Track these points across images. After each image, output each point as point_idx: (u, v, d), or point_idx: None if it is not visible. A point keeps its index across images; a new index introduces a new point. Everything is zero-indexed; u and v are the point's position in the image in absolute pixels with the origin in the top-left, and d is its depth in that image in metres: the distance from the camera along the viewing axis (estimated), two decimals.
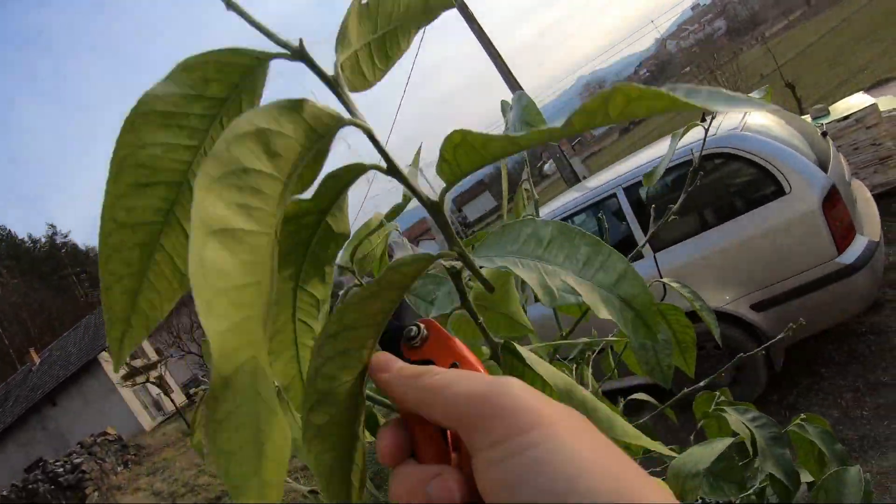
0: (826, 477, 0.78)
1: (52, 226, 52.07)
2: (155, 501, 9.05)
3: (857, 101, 5.31)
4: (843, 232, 2.96)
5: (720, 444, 0.72)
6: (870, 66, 11.96)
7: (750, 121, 3.41)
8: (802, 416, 0.94)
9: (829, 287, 2.98)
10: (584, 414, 0.30)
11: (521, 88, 11.43)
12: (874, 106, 5.01)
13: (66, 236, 50.52)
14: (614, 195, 3.70)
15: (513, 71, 11.52)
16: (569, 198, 4.24)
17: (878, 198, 4.23)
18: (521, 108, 0.60)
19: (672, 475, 0.69)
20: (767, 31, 49.08)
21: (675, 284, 1.04)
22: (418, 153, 0.70)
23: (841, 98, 6.22)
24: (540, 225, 0.42)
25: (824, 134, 4.09)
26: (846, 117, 4.96)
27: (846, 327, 3.58)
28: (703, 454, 0.70)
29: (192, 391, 27.84)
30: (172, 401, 14.76)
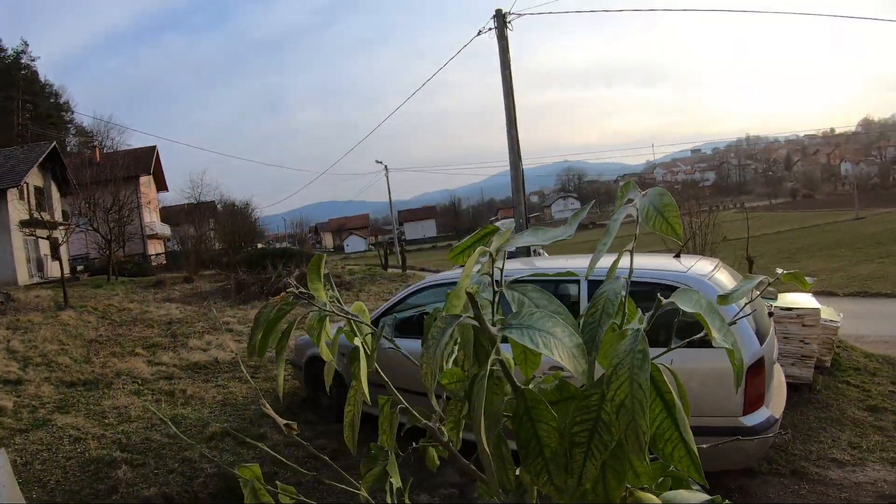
0: None
1: (26, 43, 48.67)
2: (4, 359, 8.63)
3: (803, 300, 5.82)
4: (754, 399, 3.29)
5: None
6: (820, 276, 12.98)
7: (717, 274, 3.73)
8: None
9: (724, 438, 3.28)
10: None
11: (517, 136, 11.50)
12: (818, 311, 5.52)
13: (33, 60, 47.57)
14: (577, 282, 3.90)
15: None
16: (523, 266, 4.51)
17: (789, 386, 4.67)
18: (662, 203, 0.72)
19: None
20: (748, 203, 52.07)
21: None
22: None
23: (787, 291, 6.79)
24: None
25: (770, 314, 4.50)
26: (791, 309, 5.44)
27: (718, 481, 3.92)
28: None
29: (78, 268, 26.76)
30: (61, 268, 14.11)
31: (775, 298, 5.73)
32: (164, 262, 31.19)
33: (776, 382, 3.92)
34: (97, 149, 35.67)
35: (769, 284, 0.94)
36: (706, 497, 0.89)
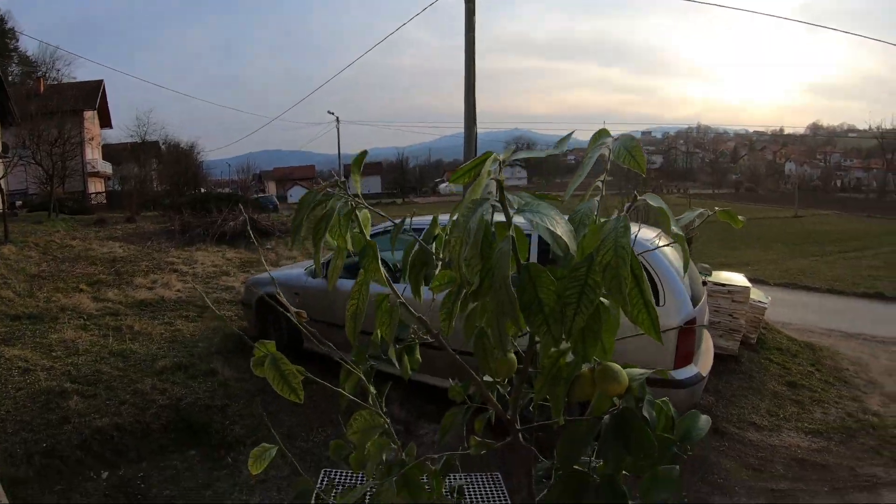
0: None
1: None
2: None
3: (737, 279, 6.25)
4: (684, 355, 3.62)
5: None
6: (753, 265, 13.72)
7: (657, 241, 4.04)
8: None
9: (655, 389, 3.59)
10: None
11: (474, 101, 11.41)
12: (748, 289, 5.94)
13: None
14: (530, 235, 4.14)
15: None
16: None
17: (716, 357, 5.07)
18: (630, 144, 0.88)
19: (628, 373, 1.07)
20: (692, 190, 53.77)
21: None
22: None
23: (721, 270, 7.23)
24: None
25: (704, 283, 4.86)
26: (724, 285, 5.85)
27: None
28: (639, 372, 1.10)
29: (17, 203, 25.61)
30: (3, 201, 13.53)
31: (710, 274, 6.13)
32: (105, 201, 30.18)
33: (705, 347, 4.29)
34: (41, 80, 33.89)
35: (706, 218, 1.13)
36: (652, 370, 1.11)
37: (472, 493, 2.55)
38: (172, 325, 6.93)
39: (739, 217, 1.17)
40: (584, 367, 1.09)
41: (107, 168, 35.94)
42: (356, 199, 1.12)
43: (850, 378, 5.97)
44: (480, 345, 1.20)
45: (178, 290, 8.72)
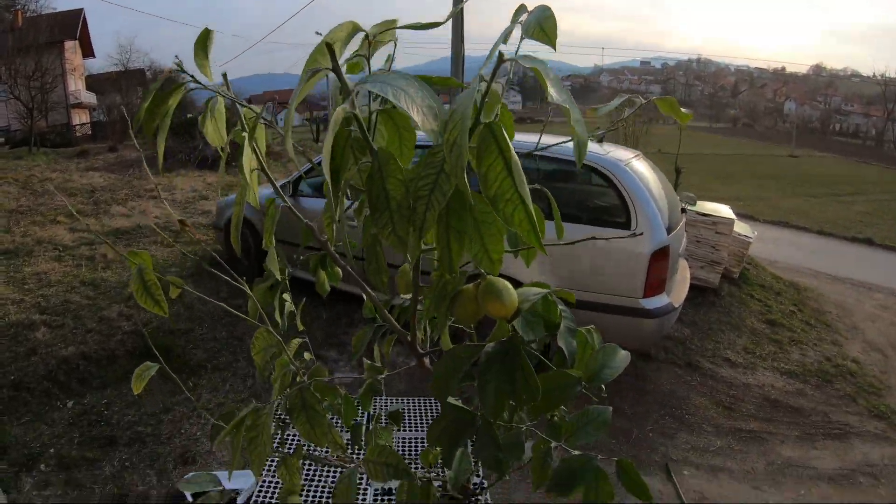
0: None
1: None
2: None
3: (722, 209, 6.10)
4: (654, 283, 3.51)
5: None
6: (744, 200, 13.57)
7: (635, 162, 3.88)
8: None
9: (623, 317, 3.53)
10: None
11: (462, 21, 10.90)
12: (732, 221, 5.81)
13: None
14: None
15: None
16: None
17: (692, 287, 4.98)
18: (543, 16, 0.70)
19: (519, 294, 0.93)
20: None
21: None
22: None
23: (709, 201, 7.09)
24: None
25: (683, 210, 4.72)
26: (707, 215, 5.71)
27: None
28: (535, 292, 0.95)
29: None
30: None
31: (694, 204, 5.98)
32: (90, 132, 29.59)
33: (680, 277, 4.18)
34: (19, 13, 32.63)
35: (639, 106, 0.98)
36: (549, 289, 0.98)
37: (414, 418, 2.50)
38: (147, 251, 6.84)
39: (684, 111, 1.04)
40: (472, 285, 0.96)
41: (91, 99, 35.08)
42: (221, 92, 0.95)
43: (833, 322, 5.92)
44: (372, 254, 1.10)
45: (156, 217, 8.74)
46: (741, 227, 6.53)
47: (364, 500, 2.81)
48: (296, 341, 1.42)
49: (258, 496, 2.89)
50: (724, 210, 6.19)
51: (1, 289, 5.50)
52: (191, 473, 1.76)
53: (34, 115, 20.09)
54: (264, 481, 3.00)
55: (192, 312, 5.06)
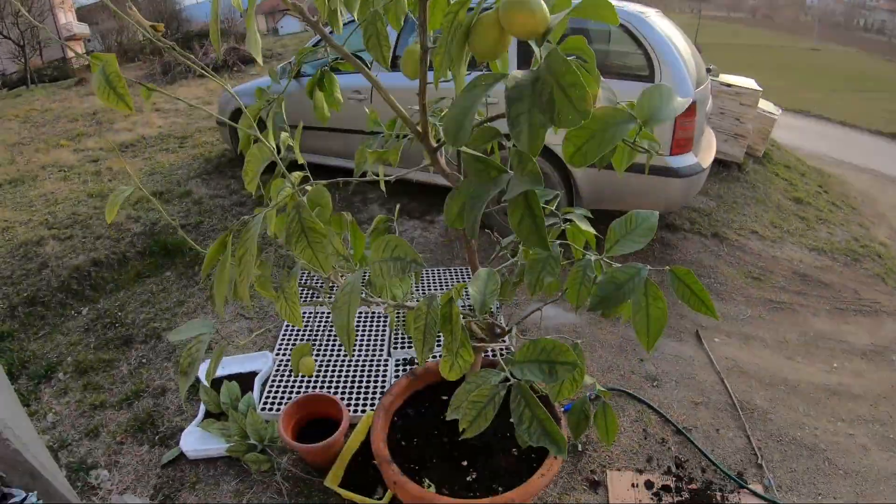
0: None
1: None
2: None
3: (745, 82, 5.77)
4: (682, 142, 3.30)
5: None
6: (765, 91, 13.00)
7: (656, 17, 3.63)
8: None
9: (649, 176, 3.35)
10: None
11: None
12: (758, 93, 5.49)
13: None
14: None
15: None
16: None
17: (715, 161, 4.76)
18: None
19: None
20: (705, 12, 51.21)
21: None
22: None
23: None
24: None
25: (709, 70, 4.45)
26: (731, 85, 5.39)
27: None
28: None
29: None
30: None
31: (717, 76, 5.65)
32: (87, 63, 28.95)
33: (706, 142, 3.95)
34: None
35: None
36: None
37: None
38: (152, 159, 6.83)
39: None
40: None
41: (84, 29, 34.26)
42: None
43: (859, 206, 5.72)
44: (372, 30, 1.02)
45: (160, 126, 8.59)
46: (766, 105, 6.21)
47: (384, 372, 2.77)
48: (298, 174, 1.30)
49: (275, 374, 2.84)
50: (750, 82, 5.85)
51: (8, 214, 5.42)
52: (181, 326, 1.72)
53: (27, 52, 19.69)
54: (280, 361, 2.94)
55: (202, 207, 5.07)
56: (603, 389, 1.52)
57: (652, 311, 1.08)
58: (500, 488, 1.63)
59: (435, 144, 1.22)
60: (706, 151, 3.84)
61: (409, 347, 2.92)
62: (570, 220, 1.35)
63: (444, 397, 1.96)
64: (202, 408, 2.66)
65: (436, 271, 3.65)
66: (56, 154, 7.66)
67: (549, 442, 0.98)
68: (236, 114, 5.48)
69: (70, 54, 30.49)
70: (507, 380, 1.04)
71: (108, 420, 2.74)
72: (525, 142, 0.73)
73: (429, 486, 1.66)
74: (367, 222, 4.68)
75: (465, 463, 1.75)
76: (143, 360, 3.15)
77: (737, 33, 36.66)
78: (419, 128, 1.17)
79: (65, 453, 2.57)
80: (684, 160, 3.37)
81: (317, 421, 2.42)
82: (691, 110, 3.28)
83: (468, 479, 1.69)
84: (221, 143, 7.15)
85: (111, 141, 7.89)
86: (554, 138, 1.66)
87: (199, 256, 4.18)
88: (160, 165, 6.51)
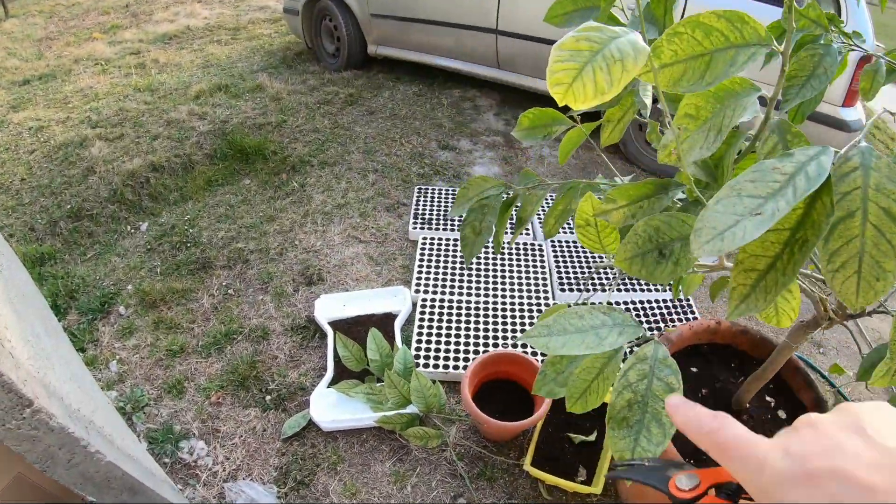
0: None
1: None
2: None
3: None
4: (856, 93, 2.93)
5: None
6: None
7: None
8: None
9: (817, 126, 3.02)
10: None
11: None
12: None
13: None
14: None
15: None
16: None
17: None
18: None
19: None
20: None
21: None
22: None
23: None
24: None
25: None
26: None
27: None
28: None
29: None
30: None
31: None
32: None
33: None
34: None
35: None
36: None
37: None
38: (203, 51, 6.17)
39: None
40: None
41: None
42: None
43: None
44: None
45: (206, 18, 7.87)
46: None
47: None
48: None
49: (420, 319, 2.36)
50: None
51: (41, 112, 4.80)
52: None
53: None
54: (424, 301, 2.47)
55: (281, 104, 4.48)
56: None
57: None
58: None
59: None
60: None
61: (573, 290, 2.56)
62: None
63: None
64: (330, 362, 2.12)
65: None
66: (90, 47, 7.09)
67: None
68: (310, 2, 5.04)
69: None
70: None
71: (193, 372, 2.19)
72: None
73: None
74: (483, 133, 4.23)
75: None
76: (230, 292, 2.59)
77: None
78: None
79: (141, 416, 2.01)
80: (854, 113, 3.02)
81: (492, 384, 1.98)
82: (868, 60, 2.89)
83: None
84: (282, 35, 6.53)
85: (151, 33, 7.30)
86: None
87: (287, 162, 3.69)
88: (214, 57, 5.87)
